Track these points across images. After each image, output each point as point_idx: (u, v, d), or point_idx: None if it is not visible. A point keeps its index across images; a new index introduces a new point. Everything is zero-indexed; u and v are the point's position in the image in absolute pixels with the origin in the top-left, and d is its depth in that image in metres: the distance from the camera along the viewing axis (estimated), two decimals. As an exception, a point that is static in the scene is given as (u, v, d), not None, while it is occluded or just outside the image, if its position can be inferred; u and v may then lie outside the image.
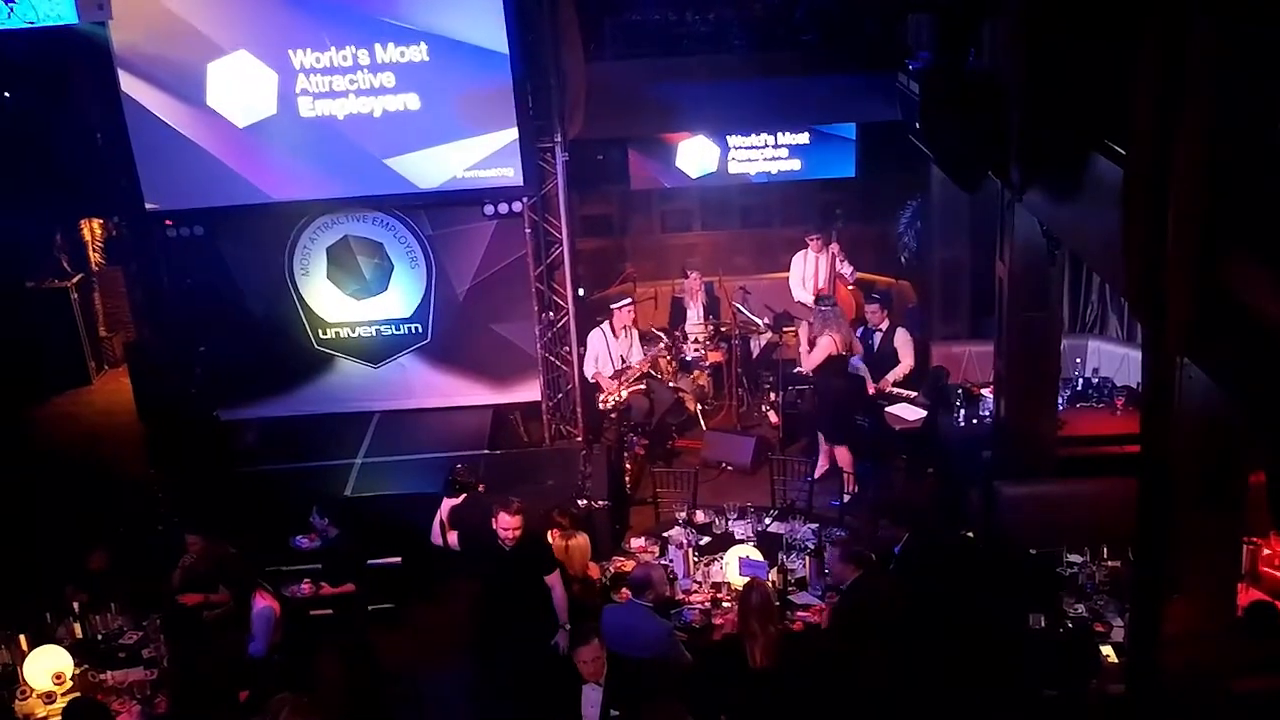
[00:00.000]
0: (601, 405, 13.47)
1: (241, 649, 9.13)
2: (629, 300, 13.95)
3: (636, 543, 10.49)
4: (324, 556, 10.37)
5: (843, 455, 12.65)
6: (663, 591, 9.05)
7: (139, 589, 10.12)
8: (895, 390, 13.22)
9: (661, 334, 14.87)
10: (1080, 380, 12.24)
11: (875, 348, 13.54)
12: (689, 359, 14.57)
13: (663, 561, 9.95)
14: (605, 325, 13.64)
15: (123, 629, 9.78)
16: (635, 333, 13.82)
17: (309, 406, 14.02)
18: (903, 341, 13.47)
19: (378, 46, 12.27)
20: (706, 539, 10.44)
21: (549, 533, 9.76)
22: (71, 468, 13.09)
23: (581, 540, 9.89)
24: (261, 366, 13.88)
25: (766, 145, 15.67)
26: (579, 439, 13.63)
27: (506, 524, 8.97)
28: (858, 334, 13.84)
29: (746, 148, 15.72)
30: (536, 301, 13.36)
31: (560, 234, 13.19)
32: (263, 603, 9.29)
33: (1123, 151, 6.19)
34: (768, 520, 10.70)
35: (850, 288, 14.98)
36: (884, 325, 13.54)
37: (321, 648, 8.77)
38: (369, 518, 11.33)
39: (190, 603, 9.90)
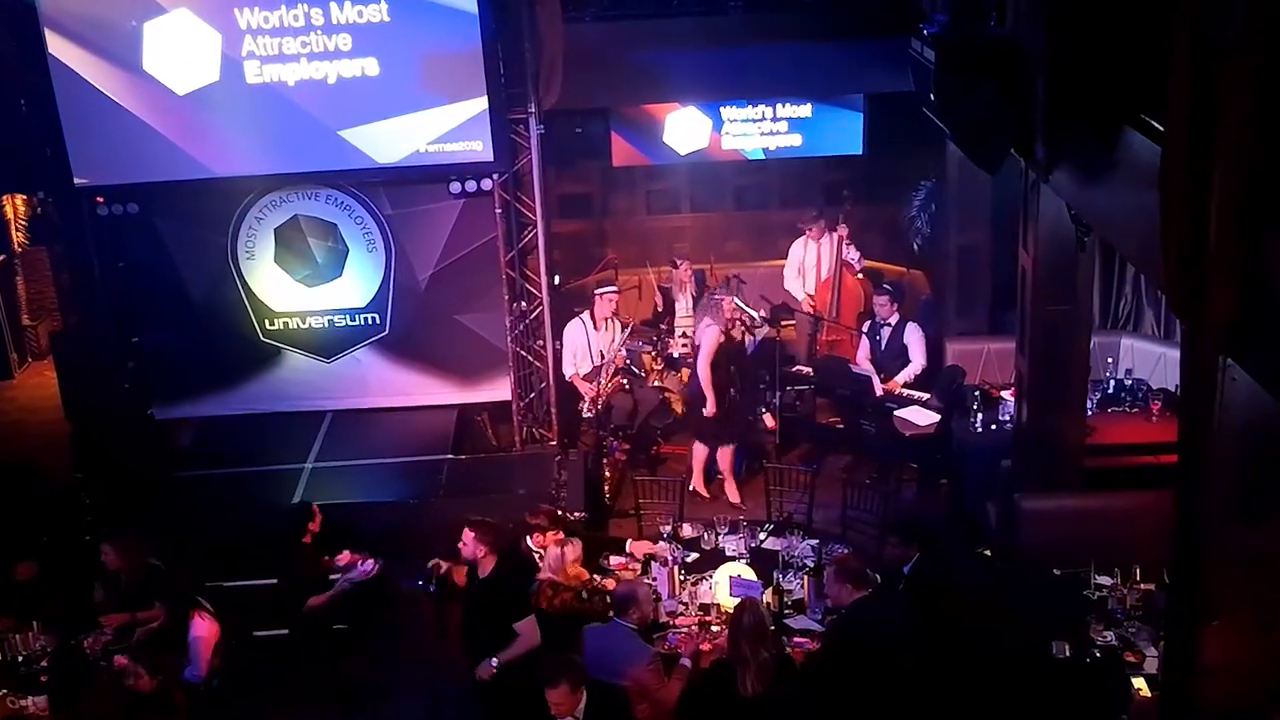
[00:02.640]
0: (586, 412, 13.38)
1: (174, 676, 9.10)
2: (614, 287, 13.89)
3: (616, 559, 10.41)
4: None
5: (725, 457, 12.63)
6: (648, 612, 9.01)
7: (63, 605, 10.09)
8: (905, 392, 13.19)
9: (647, 328, 14.85)
10: (1111, 382, 12.24)
11: (884, 344, 13.52)
12: (676, 355, 14.51)
13: (646, 580, 9.90)
14: (585, 316, 13.58)
15: (46, 649, 9.71)
16: (618, 324, 13.75)
17: (253, 405, 13.97)
18: (914, 338, 13.45)
19: (333, 5, 12.20)
20: (694, 555, 10.40)
21: (530, 536, 9.80)
22: (-11, 470, 12.99)
23: (574, 548, 9.91)
24: (201, 360, 13.81)
25: (764, 118, 15.62)
26: (553, 443, 13.62)
27: (464, 539, 8.95)
28: (864, 329, 13.84)
29: (742, 121, 15.67)
30: (507, 290, 13.32)
31: (534, 215, 13.16)
32: (202, 624, 9.26)
33: (1160, 127, 6.15)
34: (762, 535, 10.66)
35: (859, 276, 14.93)
36: (893, 319, 13.52)
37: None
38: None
39: (115, 623, 9.86)
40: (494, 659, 8.93)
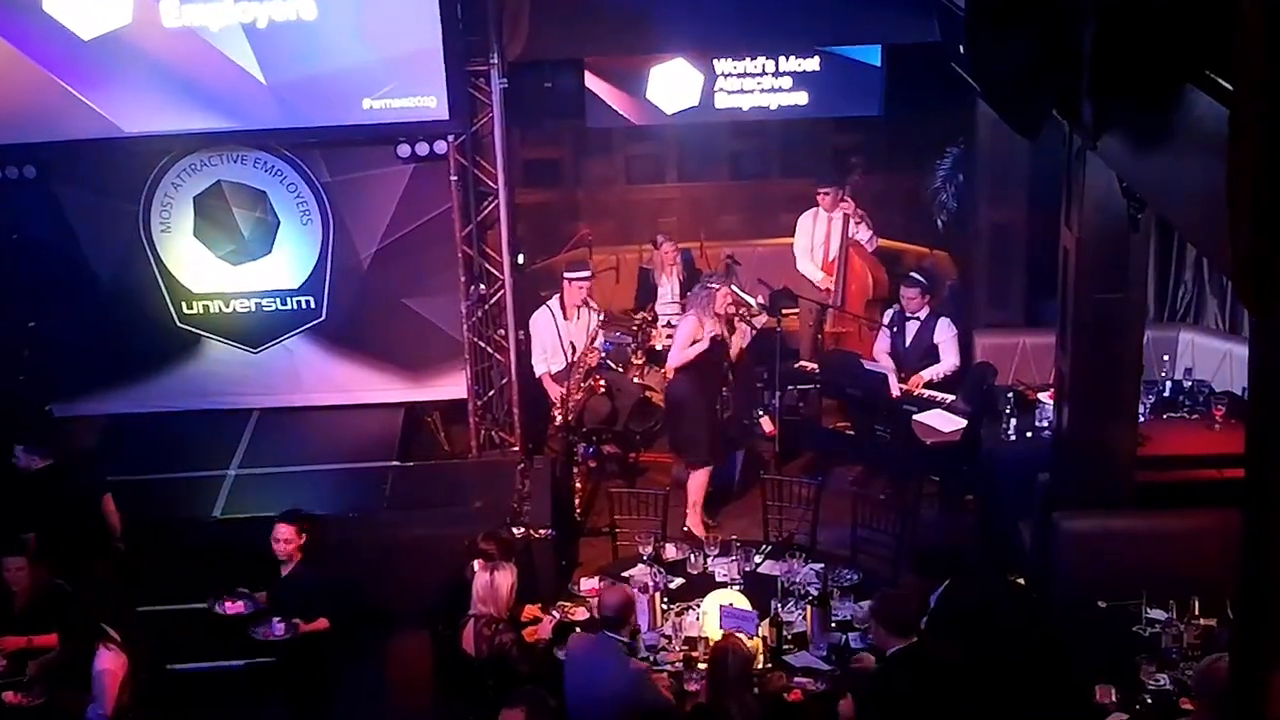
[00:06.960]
0: (556, 419, 13.28)
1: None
2: (587, 271, 13.81)
3: (588, 584, 10.43)
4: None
5: (698, 480, 12.61)
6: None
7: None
8: (926, 393, 13.14)
9: (626, 317, 14.82)
10: (1168, 383, 12.26)
11: (907, 340, 13.48)
12: (660, 349, 14.46)
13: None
14: (554, 303, 13.50)
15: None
16: (592, 314, 13.66)
17: (168, 401, 13.96)
18: (947, 336, 13.38)
19: (263, -64, 12.18)
20: (679, 581, 10.41)
21: (475, 562, 9.67)
22: None
23: (508, 574, 9.74)
24: (108, 349, 13.80)
25: (764, 73, 15.56)
26: (515, 449, 13.63)
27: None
28: (886, 319, 13.76)
29: (739, 75, 15.61)
30: (463, 270, 13.30)
31: (495, 183, 13.18)
32: (108, 655, 9.22)
33: (1228, 85, 6.11)
34: (758, 558, 10.66)
35: (870, 257, 14.87)
36: (922, 313, 13.44)
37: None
38: (243, 545, 11.17)
39: (11, 647, 9.80)
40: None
